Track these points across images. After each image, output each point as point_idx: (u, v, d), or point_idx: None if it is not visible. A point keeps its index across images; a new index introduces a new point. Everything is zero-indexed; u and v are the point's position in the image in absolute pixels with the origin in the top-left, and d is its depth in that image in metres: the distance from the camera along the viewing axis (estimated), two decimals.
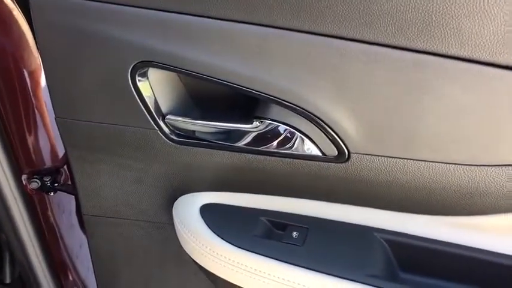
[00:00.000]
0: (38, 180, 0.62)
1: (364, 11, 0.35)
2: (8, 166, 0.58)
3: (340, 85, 0.38)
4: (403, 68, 0.36)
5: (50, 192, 0.64)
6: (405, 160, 0.40)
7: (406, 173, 0.41)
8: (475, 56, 0.35)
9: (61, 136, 0.50)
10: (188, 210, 0.50)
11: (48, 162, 0.64)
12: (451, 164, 0.40)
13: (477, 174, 0.39)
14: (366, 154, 0.41)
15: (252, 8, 0.37)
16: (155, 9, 0.39)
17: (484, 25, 0.33)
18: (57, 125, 0.48)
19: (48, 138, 0.64)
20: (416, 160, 0.40)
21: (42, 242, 0.68)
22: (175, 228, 0.50)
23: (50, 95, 0.46)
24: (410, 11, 0.34)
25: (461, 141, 0.39)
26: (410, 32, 0.35)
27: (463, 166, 0.40)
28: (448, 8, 0.33)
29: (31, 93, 0.59)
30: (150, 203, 0.53)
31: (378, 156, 0.41)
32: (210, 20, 0.38)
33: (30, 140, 0.61)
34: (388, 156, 0.40)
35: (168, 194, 0.51)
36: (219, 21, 0.38)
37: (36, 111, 0.61)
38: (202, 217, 0.49)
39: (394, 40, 0.35)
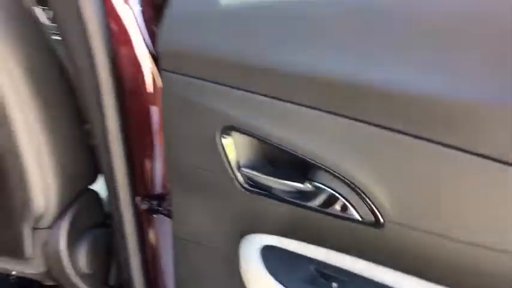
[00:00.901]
0: (147, 203, 0.79)
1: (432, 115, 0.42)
2: (128, 187, 0.76)
3: (385, 169, 0.46)
4: (445, 162, 0.43)
5: (155, 214, 0.81)
6: (438, 237, 0.45)
7: (438, 250, 0.46)
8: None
9: (167, 170, 0.65)
10: (251, 249, 0.60)
11: (158, 189, 0.81)
12: (488, 249, 0.43)
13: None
14: (401, 225, 0.47)
15: (342, 103, 0.45)
16: (250, 92, 0.51)
17: None
18: (166, 161, 0.64)
19: (162, 168, 0.81)
20: (450, 240, 0.45)
21: (143, 255, 0.84)
22: (240, 262, 0.61)
23: (163, 136, 0.62)
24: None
25: (498, 229, 0.43)
26: (460, 134, 0.41)
27: (503, 253, 0.43)
28: None
29: (155, 129, 0.76)
30: (225, 236, 0.65)
31: (411, 228, 0.46)
32: (299, 106, 0.48)
33: (148, 167, 0.78)
34: (422, 231, 0.46)
35: (239, 231, 0.62)
36: (306, 108, 0.48)
37: (157, 144, 0.78)
38: (262, 256, 0.59)
39: (447, 140, 0.42)
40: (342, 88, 0.45)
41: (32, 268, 0.83)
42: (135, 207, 0.79)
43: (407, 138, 0.43)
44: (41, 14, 0.74)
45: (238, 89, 0.52)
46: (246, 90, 0.51)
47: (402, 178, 0.45)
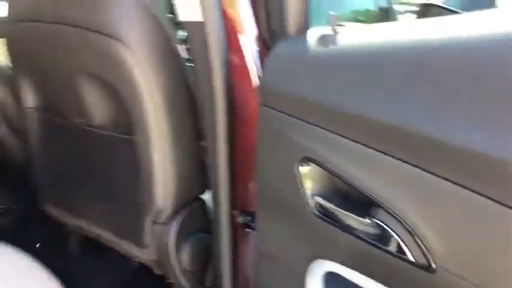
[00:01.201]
0: (243, 217, 0.90)
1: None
2: (228, 201, 0.88)
3: (439, 216, 0.48)
4: (500, 219, 0.43)
5: (248, 228, 0.91)
6: None
7: None
8: None
9: (257, 190, 0.75)
10: (316, 273, 0.65)
11: (252, 206, 0.92)
12: None
13: None
14: (451, 273, 0.48)
15: (411, 152, 0.49)
16: (329, 131, 0.58)
17: None
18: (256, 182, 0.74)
19: None
20: None
21: (233, 263, 0.95)
22: (306, 284, 0.67)
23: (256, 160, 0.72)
24: None
25: None
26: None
27: None
28: None
29: None
30: (298, 257, 0.71)
31: (461, 278, 0.47)
32: (371, 149, 0.53)
33: (247, 186, 0.89)
34: (471, 283, 0.46)
35: (309, 254, 0.68)
36: (377, 152, 0.52)
37: None
38: (325, 282, 0.64)
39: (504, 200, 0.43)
40: (415, 139, 0.49)
41: (147, 255, 1.01)
42: (233, 219, 0.91)
43: (465, 191, 0.45)
44: (183, 51, 0.92)
45: (320, 127, 0.59)
46: (326, 129, 0.58)
47: (456, 228, 0.47)
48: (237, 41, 0.77)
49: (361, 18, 1.61)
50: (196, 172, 0.96)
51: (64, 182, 1.13)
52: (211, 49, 0.74)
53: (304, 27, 0.68)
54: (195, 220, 1.01)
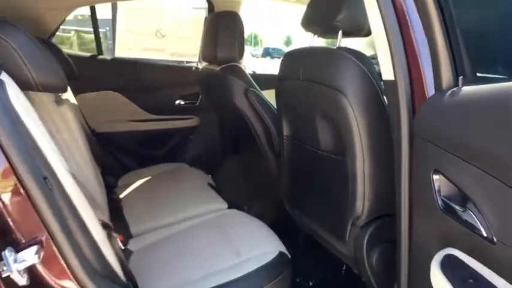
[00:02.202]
0: None
1: None
2: (407, 223, 1.11)
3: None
4: None
5: None
6: None
7: None
8: None
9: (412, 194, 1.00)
10: (439, 256, 0.83)
11: None
12: None
13: None
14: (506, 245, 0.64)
15: None
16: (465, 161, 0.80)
17: None
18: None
19: None
20: None
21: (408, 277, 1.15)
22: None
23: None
24: None
25: None
26: None
27: None
28: None
29: None
30: (433, 246, 0.89)
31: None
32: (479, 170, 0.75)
33: None
34: None
35: (438, 243, 0.86)
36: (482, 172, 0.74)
37: None
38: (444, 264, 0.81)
39: None
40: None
41: (346, 250, 1.35)
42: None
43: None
44: None
45: (448, 152, 0.81)
46: (451, 153, 0.80)
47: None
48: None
49: None
50: (388, 192, 1.24)
51: (300, 189, 1.61)
52: (400, 101, 1.03)
53: (452, 85, 0.90)
54: (384, 232, 1.28)
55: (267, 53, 21.77)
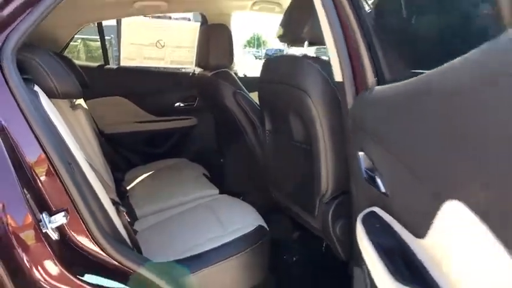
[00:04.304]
0: None
1: None
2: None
3: None
4: None
5: None
6: None
7: None
8: None
9: None
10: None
11: None
12: None
13: None
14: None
15: None
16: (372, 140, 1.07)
17: None
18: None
19: None
20: None
21: None
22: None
23: None
24: None
25: None
26: None
27: None
28: None
29: None
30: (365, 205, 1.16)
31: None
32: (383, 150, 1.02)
33: None
34: None
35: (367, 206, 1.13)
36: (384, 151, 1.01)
37: None
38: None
39: None
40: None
41: (316, 224, 1.61)
42: None
43: None
44: None
45: (372, 140, 1.07)
46: (374, 141, 1.07)
47: None
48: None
49: None
50: (345, 173, 1.50)
51: (280, 174, 1.88)
52: (348, 98, 1.28)
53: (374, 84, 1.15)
54: (344, 208, 1.53)
55: (270, 55, 22.11)
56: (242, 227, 1.52)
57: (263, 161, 2.08)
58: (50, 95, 1.26)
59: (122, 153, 2.70)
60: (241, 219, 1.59)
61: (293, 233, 2.08)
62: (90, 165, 1.27)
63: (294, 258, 2.02)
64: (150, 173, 2.32)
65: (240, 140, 2.23)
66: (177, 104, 2.79)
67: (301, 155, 1.65)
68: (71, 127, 1.62)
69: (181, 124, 2.80)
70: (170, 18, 2.61)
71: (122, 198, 1.94)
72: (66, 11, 2.19)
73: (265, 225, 1.58)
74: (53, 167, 1.02)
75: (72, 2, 2.00)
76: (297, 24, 1.57)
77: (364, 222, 1.01)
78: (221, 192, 1.98)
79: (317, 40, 1.57)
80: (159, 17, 2.52)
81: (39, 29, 1.10)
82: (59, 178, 1.02)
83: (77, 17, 2.38)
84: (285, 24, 1.66)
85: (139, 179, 2.26)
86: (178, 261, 1.36)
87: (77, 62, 2.37)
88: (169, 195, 1.92)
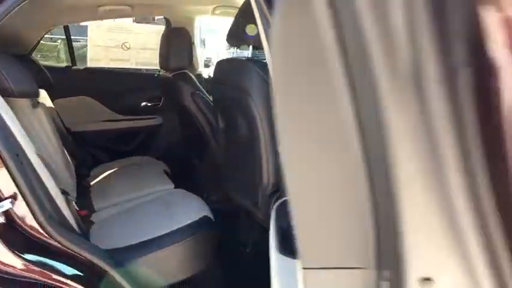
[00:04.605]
0: None
1: None
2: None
3: None
4: None
5: None
6: None
7: None
8: None
9: None
10: None
11: None
12: None
13: None
14: None
15: None
16: None
17: None
18: None
19: None
20: None
21: None
22: None
23: None
24: None
25: None
26: None
27: None
28: None
29: None
30: None
31: None
32: None
33: None
34: None
35: None
36: None
37: None
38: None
39: None
40: None
41: (261, 215, 1.74)
42: None
43: None
44: None
45: None
46: None
47: None
48: None
49: None
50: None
51: (230, 170, 2.01)
52: None
53: None
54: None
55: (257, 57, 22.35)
56: (188, 217, 1.64)
57: (219, 159, 2.20)
58: (5, 93, 1.36)
59: (89, 150, 2.80)
60: (188, 209, 1.71)
61: (252, 228, 2.21)
62: (42, 158, 1.38)
63: (247, 250, 2.15)
64: (114, 169, 2.43)
65: (201, 138, 2.35)
66: (144, 103, 2.90)
67: (247, 150, 1.78)
68: (30, 124, 1.73)
69: (147, 123, 2.91)
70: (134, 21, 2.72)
71: (84, 192, 2.05)
72: (32, 14, 2.28)
73: (211, 216, 1.71)
74: (1, 158, 1.13)
75: (39, 5, 2.10)
76: (243, 28, 1.71)
77: (277, 209, 1.15)
78: (180, 187, 2.10)
79: (259, 44, 1.70)
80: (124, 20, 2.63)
81: (4, 31, 1.21)
82: (6, 168, 1.13)
83: (44, 20, 2.47)
84: (232, 29, 1.80)
85: (103, 175, 2.36)
86: (127, 247, 1.48)
87: (45, 63, 2.47)
88: (127, 190, 2.03)
